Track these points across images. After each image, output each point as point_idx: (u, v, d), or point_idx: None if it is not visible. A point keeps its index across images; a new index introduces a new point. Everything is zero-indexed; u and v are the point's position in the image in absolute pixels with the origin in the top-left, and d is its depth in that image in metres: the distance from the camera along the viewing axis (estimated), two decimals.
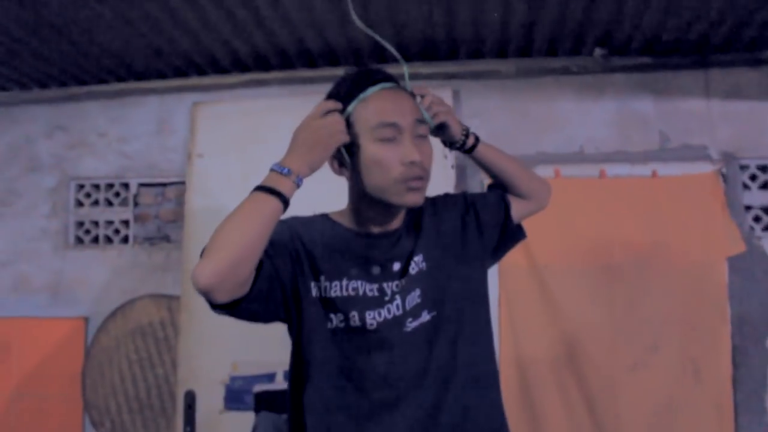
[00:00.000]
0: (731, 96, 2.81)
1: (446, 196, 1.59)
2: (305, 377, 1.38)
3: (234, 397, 2.75)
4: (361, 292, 1.37)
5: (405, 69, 1.43)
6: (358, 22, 1.54)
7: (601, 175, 2.80)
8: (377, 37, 1.50)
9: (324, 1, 2.45)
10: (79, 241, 3.16)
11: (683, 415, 2.62)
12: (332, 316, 1.37)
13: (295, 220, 1.43)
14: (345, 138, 1.34)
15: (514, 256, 2.73)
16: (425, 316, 1.40)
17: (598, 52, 2.81)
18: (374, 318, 1.36)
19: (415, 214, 1.48)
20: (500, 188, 1.59)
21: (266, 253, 1.29)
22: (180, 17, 2.56)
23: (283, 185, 1.25)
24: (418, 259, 1.43)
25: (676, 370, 2.65)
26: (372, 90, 1.36)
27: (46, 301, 3.09)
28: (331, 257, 1.39)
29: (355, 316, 1.36)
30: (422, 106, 1.41)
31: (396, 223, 1.46)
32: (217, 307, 1.25)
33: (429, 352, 1.38)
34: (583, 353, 2.68)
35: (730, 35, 2.67)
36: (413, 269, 1.41)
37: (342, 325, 1.37)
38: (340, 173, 1.41)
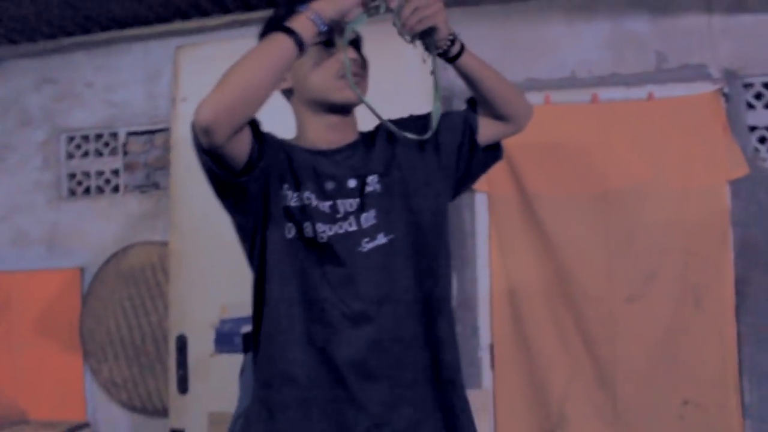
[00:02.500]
0: (734, 9, 2.64)
1: (409, 117, 1.51)
2: (264, 292, 1.36)
3: (224, 340, 2.74)
4: (314, 205, 1.34)
5: None
6: None
7: (593, 99, 2.67)
8: None
9: None
10: (72, 192, 3.18)
11: (684, 346, 2.51)
12: (289, 225, 1.34)
13: (272, 136, 1.41)
14: None
15: (504, 185, 2.69)
16: (381, 239, 1.36)
17: None
18: (325, 231, 1.33)
19: (370, 134, 1.46)
20: (475, 106, 1.47)
21: (267, 141, 1.29)
22: None
23: (298, 23, 1.22)
24: (372, 179, 1.39)
25: (676, 299, 2.54)
26: None
27: (43, 253, 3.12)
28: (290, 172, 1.37)
29: (308, 227, 1.33)
30: (401, 15, 1.29)
31: (347, 137, 1.43)
32: (216, 166, 1.23)
33: (388, 275, 1.35)
34: (578, 285, 2.59)
35: None
36: (368, 189, 1.38)
37: (297, 235, 1.34)
38: (281, 87, 1.39)
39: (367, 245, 1.35)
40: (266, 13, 2.94)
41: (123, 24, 3.11)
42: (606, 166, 2.61)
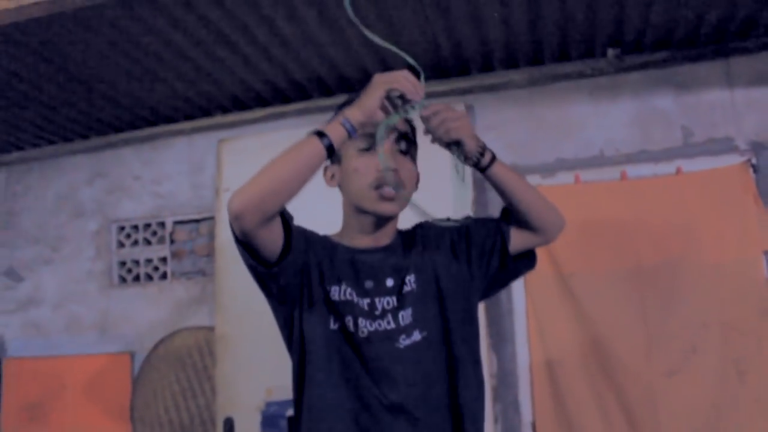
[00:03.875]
0: (755, 83, 2.69)
1: (445, 222, 1.58)
2: (306, 377, 1.42)
3: (270, 422, 2.80)
4: (354, 301, 1.42)
5: (422, 77, 1.39)
6: (376, 39, 1.46)
7: (623, 177, 2.72)
8: (394, 49, 1.43)
9: (328, 35, 2.55)
10: (123, 280, 3.33)
11: (728, 420, 2.48)
12: (332, 317, 1.42)
13: (314, 233, 1.50)
14: (392, 84, 1.31)
15: (540, 265, 2.72)
16: (416, 336, 1.43)
17: (611, 52, 2.76)
18: (366, 327, 1.41)
19: (409, 235, 1.53)
20: (509, 215, 1.52)
21: (295, 236, 1.36)
22: (195, 62, 2.73)
23: (330, 127, 1.30)
24: (410, 278, 1.46)
25: (718, 373, 2.52)
26: None
27: (95, 338, 3.26)
28: (332, 267, 1.44)
29: (350, 321, 1.41)
30: (429, 125, 1.38)
31: (385, 238, 1.50)
32: (256, 261, 1.33)
33: (422, 370, 1.42)
34: (617, 361, 2.60)
35: (748, 20, 2.57)
36: (406, 288, 1.45)
37: (339, 327, 1.41)
38: (331, 185, 1.48)
39: (404, 342, 1.42)
40: (302, 105, 3.13)
41: (167, 119, 3.30)
42: (639, 241, 2.65)
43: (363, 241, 1.49)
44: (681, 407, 2.52)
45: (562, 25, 2.58)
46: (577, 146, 2.83)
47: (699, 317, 2.56)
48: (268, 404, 2.82)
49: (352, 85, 3.02)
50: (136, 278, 3.31)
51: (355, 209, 1.46)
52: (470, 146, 1.39)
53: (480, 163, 1.40)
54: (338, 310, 1.42)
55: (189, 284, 3.19)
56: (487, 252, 1.50)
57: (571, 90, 2.87)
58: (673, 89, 2.78)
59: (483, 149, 1.40)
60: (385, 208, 1.42)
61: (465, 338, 1.47)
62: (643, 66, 2.80)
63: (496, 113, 2.91)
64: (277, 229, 1.32)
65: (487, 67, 2.92)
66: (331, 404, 1.40)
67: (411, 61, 1.41)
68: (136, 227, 3.35)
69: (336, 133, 1.29)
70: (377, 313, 1.42)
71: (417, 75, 1.35)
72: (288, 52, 2.70)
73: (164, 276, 3.27)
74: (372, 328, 1.41)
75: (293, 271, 1.39)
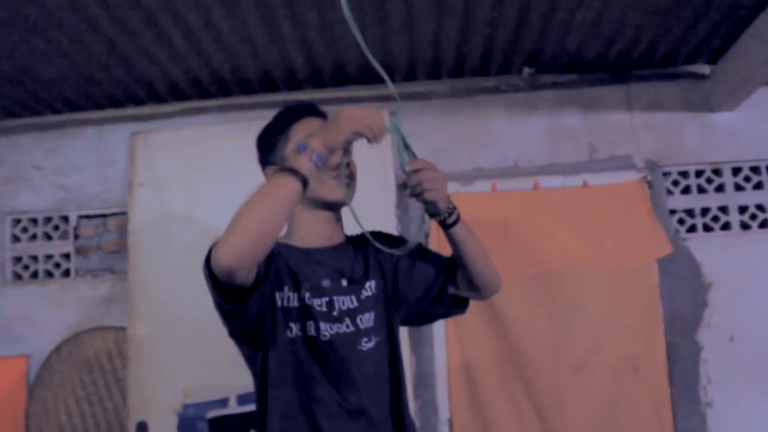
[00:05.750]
0: (651, 108, 2.99)
1: (398, 238, 1.67)
2: (267, 386, 1.45)
3: (187, 425, 2.73)
4: (310, 303, 1.46)
5: (391, 88, 1.45)
6: (352, 25, 1.44)
7: (536, 187, 2.93)
8: (369, 55, 1.43)
9: (260, 28, 2.51)
10: (18, 277, 3.09)
11: (625, 413, 2.74)
12: (291, 324, 1.45)
13: None
14: (359, 129, 1.34)
15: None
16: (373, 340, 1.52)
17: (526, 71, 2.95)
18: (327, 331, 1.46)
19: (358, 240, 1.59)
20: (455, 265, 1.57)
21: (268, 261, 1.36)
22: (115, 46, 2.57)
23: (300, 163, 1.30)
24: (370, 284, 1.54)
25: (616, 369, 2.78)
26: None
27: None
28: (289, 272, 1.47)
29: (311, 326, 1.45)
30: (409, 181, 1.43)
31: (336, 236, 1.57)
32: (229, 299, 1.32)
33: (377, 374, 1.51)
34: (527, 359, 2.78)
35: (647, 52, 2.85)
36: (365, 293, 1.53)
37: (298, 334, 1.45)
38: None
39: (366, 345, 1.50)
40: (222, 101, 3.07)
41: (75, 107, 3.11)
42: (548, 247, 2.85)
43: (316, 239, 1.53)
44: (584, 400, 2.75)
45: (486, 42, 2.73)
46: (493, 157, 2.99)
47: (601, 318, 2.80)
48: (186, 406, 2.75)
49: (275, 84, 3.01)
50: (34, 275, 3.09)
51: (308, 205, 1.50)
52: (441, 207, 1.44)
53: (446, 221, 1.46)
54: (296, 316, 1.46)
55: (95, 282, 3.02)
56: (428, 284, 1.58)
57: (489, 103, 3.03)
58: (581, 109, 3.02)
59: (452, 209, 1.46)
60: (341, 194, 1.49)
61: (399, 342, 1.58)
62: (555, 85, 3.02)
63: (417, 121, 3.01)
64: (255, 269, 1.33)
65: (410, 75, 3.02)
66: (290, 417, 1.44)
67: (382, 73, 1.43)
68: (34, 220, 3.12)
69: (307, 168, 1.31)
70: (335, 314, 1.48)
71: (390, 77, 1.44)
72: (218, 45, 2.61)
73: (67, 273, 3.07)
74: (333, 332, 1.47)
75: (264, 293, 1.40)
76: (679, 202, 2.97)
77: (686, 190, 2.99)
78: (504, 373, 2.80)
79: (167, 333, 2.80)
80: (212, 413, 2.71)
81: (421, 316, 1.65)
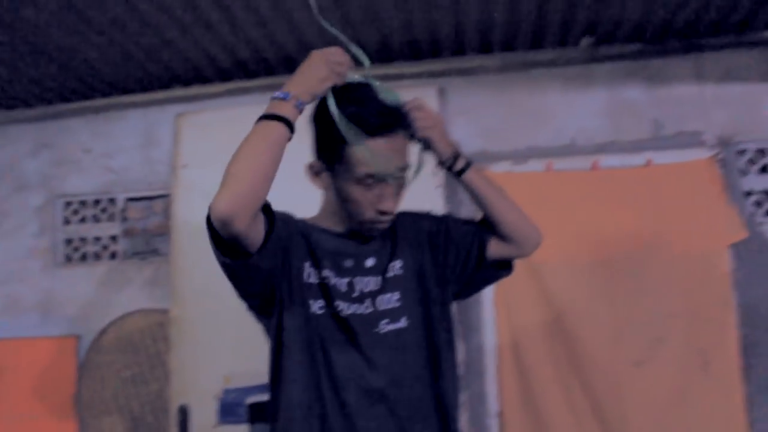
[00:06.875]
0: (724, 79, 2.74)
1: (426, 214, 1.61)
2: (282, 362, 1.40)
3: (228, 410, 2.69)
4: (332, 283, 1.42)
5: (367, 70, 1.43)
6: (322, 21, 1.55)
7: (594, 166, 2.72)
8: (341, 37, 1.48)
9: (299, 7, 2.42)
10: (68, 258, 3.13)
11: (692, 410, 2.52)
12: (310, 301, 1.41)
13: (290, 216, 1.48)
14: (341, 79, 1.37)
15: None
16: (402, 322, 1.44)
17: (584, 41, 2.75)
18: (343, 309, 1.40)
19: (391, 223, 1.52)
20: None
21: (277, 220, 1.33)
22: (160, 29, 2.55)
23: (285, 110, 1.29)
24: (395, 264, 1.48)
25: (683, 363, 2.55)
26: (371, 140, 1.36)
27: (37, 320, 3.05)
28: (311, 249, 1.44)
29: (328, 304, 1.41)
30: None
31: None
32: (230, 257, 1.28)
33: (402, 357, 1.43)
34: (584, 351, 2.60)
35: (719, 18, 2.60)
36: (390, 273, 1.46)
37: (316, 310, 1.40)
38: (314, 182, 1.47)
39: (385, 327, 1.43)
40: (266, 81, 3.00)
41: (122, 90, 3.11)
42: (609, 232, 2.65)
43: (344, 226, 1.48)
44: (647, 396, 2.54)
45: (539, 12, 2.55)
46: (548, 134, 2.81)
47: (665, 307, 2.58)
48: (226, 391, 2.71)
49: None
50: (83, 257, 3.12)
51: (341, 204, 1.45)
52: (440, 148, 1.44)
53: (453, 167, 1.46)
54: (314, 293, 1.41)
55: (142, 264, 3.02)
56: (464, 252, 1.52)
57: (543, 78, 2.85)
58: (645, 82, 2.79)
59: (457, 154, 1.46)
60: (371, 234, 1.47)
61: (444, 327, 1.49)
62: (616, 57, 2.80)
63: (467, 98, 2.87)
64: (261, 220, 1.30)
65: (460, 50, 2.86)
66: (305, 396, 1.38)
67: (358, 52, 1.45)
68: (84, 203, 3.14)
69: (291, 112, 1.30)
70: (355, 295, 1.42)
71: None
72: (259, 25, 2.57)
73: (114, 255, 3.09)
74: (350, 311, 1.41)
75: (277, 255, 1.36)
76: (755, 182, 2.70)
77: (764, 170, 2.71)
78: (559, 366, 2.62)
79: (209, 317, 2.76)
80: (252, 399, 2.65)
81: (470, 285, 1.58)
